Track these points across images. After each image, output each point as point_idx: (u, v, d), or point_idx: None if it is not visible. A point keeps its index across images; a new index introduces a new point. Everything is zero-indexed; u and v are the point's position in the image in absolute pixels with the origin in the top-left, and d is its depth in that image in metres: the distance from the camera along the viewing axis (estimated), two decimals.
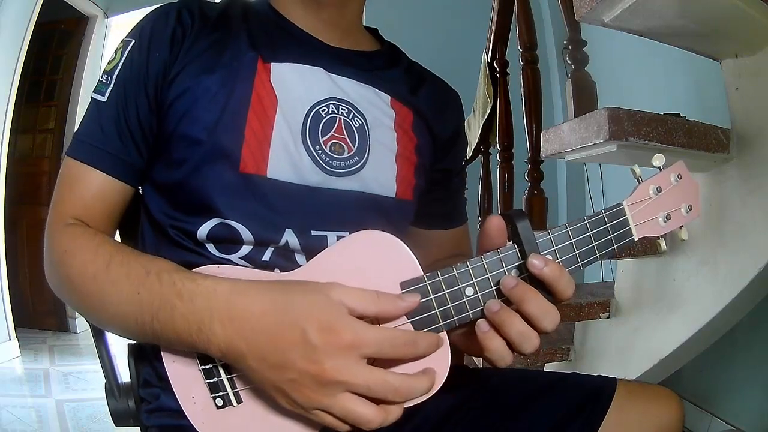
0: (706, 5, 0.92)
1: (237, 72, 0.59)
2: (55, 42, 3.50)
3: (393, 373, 0.45)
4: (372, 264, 0.50)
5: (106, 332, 0.68)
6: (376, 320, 0.48)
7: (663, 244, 0.54)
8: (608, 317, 1.35)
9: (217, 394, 0.51)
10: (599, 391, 0.63)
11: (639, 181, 0.53)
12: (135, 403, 0.66)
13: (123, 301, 0.49)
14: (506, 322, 0.47)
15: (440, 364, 0.48)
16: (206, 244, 0.57)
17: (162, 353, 0.53)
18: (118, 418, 0.67)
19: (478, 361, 1.35)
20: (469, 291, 0.49)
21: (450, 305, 0.49)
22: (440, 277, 0.49)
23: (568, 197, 2.97)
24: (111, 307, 0.51)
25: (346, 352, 0.43)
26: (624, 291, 1.35)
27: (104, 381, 0.68)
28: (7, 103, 2.81)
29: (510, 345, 0.48)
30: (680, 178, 0.54)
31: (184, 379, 0.52)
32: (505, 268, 0.49)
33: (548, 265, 0.47)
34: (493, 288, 0.49)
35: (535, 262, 0.47)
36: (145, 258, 0.52)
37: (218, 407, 0.51)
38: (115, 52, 0.60)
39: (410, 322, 0.49)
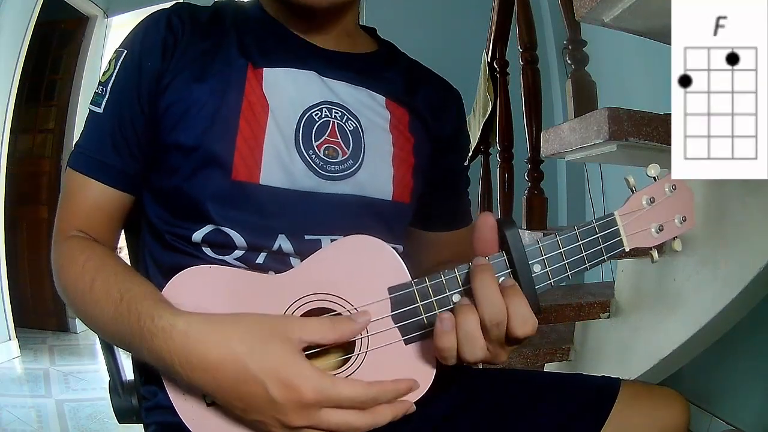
0: None
1: (227, 80, 0.59)
2: (55, 42, 3.50)
3: (356, 413, 0.46)
4: (360, 269, 0.50)
5: None
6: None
7: (655, 255, 0.54)
8: (608, 317, 1.35)
9: None
10: (602, 392, 0.63)
11: (633, 191, 0.52)
12: (138, 401, 0.66)
13: (106, 321, 0.51)
14: (463, 317, 0.46)
15: (424, 374, 0.50)
16: (202, 247, 0.58)
17: None
18: (121, 416, 0.68)
19: None
20: (456, 298, 0.49)
21: (437, 311, 0.49)
22: (428, 283, 0.49)
23: (568, 197, 2.97)
24: (98, 323, 0.53)
25: (310, 407, 0.45)
26: (624, 291, 1.35)
27: (108, 379, 0.69)
28: (7, 103, 2.80)
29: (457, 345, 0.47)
30: (675, 189, 0.53)
31: None
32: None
33: None
34: None
35: None
36: (122, 277, 0.53)
37: (208, 404, 0.51)
38: (109, 63, 0.61)
39: (397, 327, 0.50)
